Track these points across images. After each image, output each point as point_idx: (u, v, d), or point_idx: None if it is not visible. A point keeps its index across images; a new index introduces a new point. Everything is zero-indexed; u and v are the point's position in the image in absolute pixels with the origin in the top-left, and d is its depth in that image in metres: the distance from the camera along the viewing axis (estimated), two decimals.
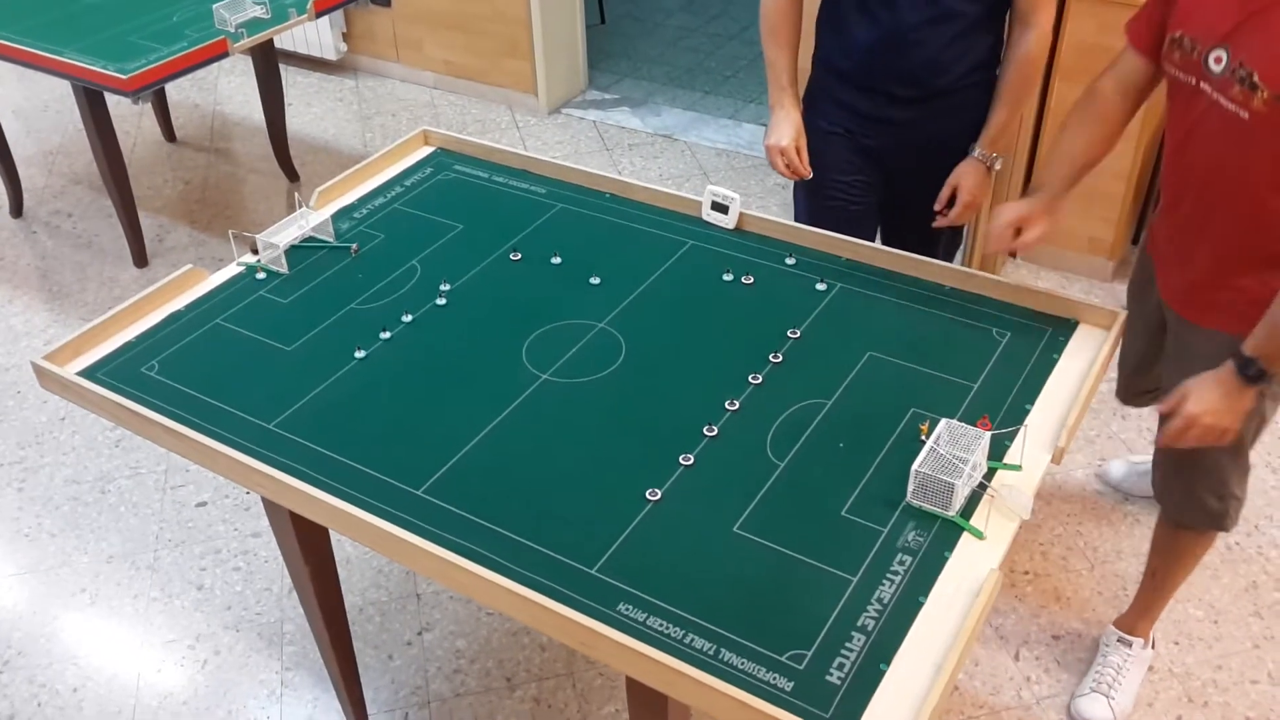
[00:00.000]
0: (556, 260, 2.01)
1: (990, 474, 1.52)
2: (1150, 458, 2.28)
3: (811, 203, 2.32)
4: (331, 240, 2.08)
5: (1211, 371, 1.67)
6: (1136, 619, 2.26)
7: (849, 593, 1.38)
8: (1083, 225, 3.37)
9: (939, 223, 2.21)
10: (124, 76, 3.00)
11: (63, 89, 4.83)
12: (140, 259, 3.74)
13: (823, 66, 2.25)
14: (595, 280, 1.95)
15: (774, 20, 2.21)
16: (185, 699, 2.36)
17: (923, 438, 1.54)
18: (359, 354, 1.80)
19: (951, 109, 2.16)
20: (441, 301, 1.92)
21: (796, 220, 2.34)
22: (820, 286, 1.91)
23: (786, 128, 2.18)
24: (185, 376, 1.77)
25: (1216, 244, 1.74)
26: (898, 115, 2.16)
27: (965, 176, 2.16)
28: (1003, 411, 1.64)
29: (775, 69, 2.21)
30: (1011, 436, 1.58)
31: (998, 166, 2.16)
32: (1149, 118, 3.14)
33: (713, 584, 1.39)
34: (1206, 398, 1.65)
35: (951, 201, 2.19)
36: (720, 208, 2.07)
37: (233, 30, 3.26)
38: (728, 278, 1.95)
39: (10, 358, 3.36)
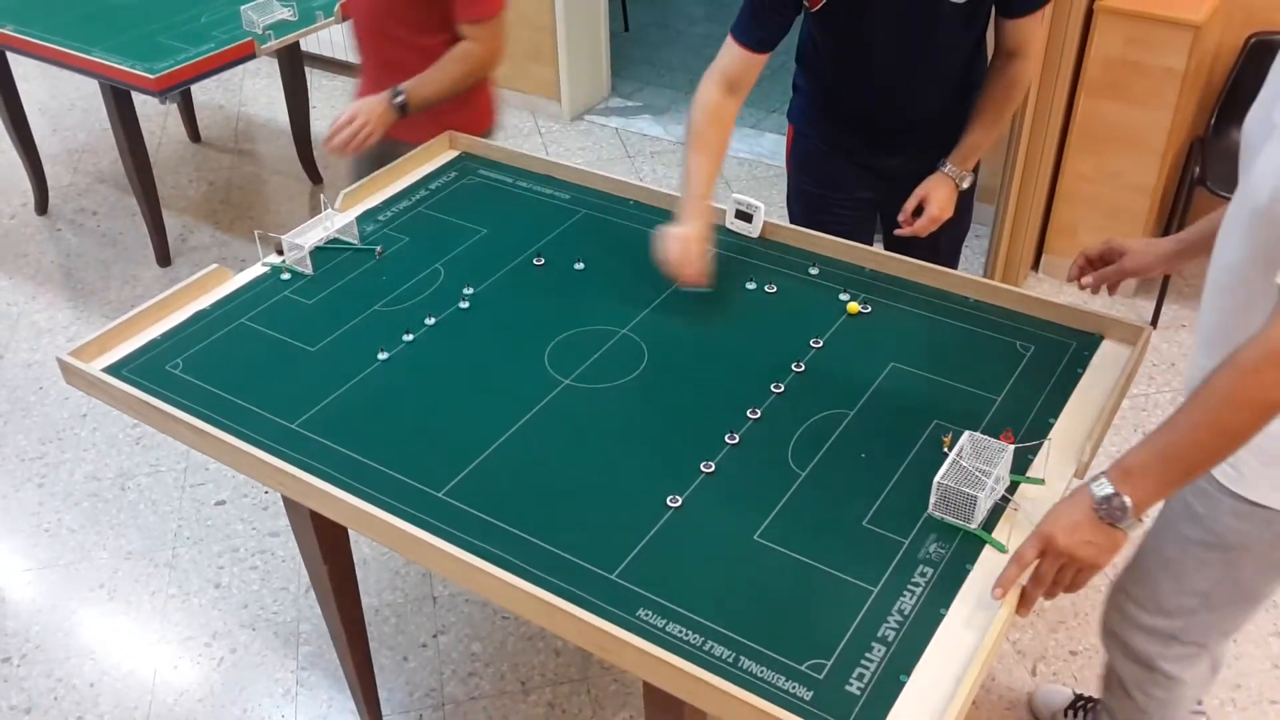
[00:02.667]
0: (579, 266, 2.01)
1: (1013, 487, 1.51)
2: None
3: (810, 220, 2.33)
4: (356, 242, 2.09)
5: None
6: None
7: (869, 603, 1.37)
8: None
9: (901, 231, 2.18)
10: (151, 76, 3.03)
11: (89, 87, 4.87)
12: (163, 258, 3.76)
13: (812, 101, 2.26)
14: (617, 286, 1.95)
15: (700, 126, 2.00)
16: (201, 696, 2.36)
17: (945, 450, 1.54)
18: (382, 356, 1.81)
19: (948, 131, 2.19)
20: (464, 305, 1.92)
21: None
22: (843, 297, 1.91)
23: (690, 228, 1.91)
24: (209, 375, 1.78)
25: None
26: (897, 142, 2.20)
27: (935, 190, 2.14)
28: (1026, 425, 1.63)
29: (692, 179, 1.97)
30: (1034, 450, 1.58)
31: (965, 185, 2.15)
32: (1175, 132, 3.13)
33: (733, 592, 1.39)
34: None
35: (918, 213, 2.16)
36: (744, 216, 2.07)
37: (260, 32, 3.28)
38: (751, 286, 1.95)
39: (33, 354, 3.38)
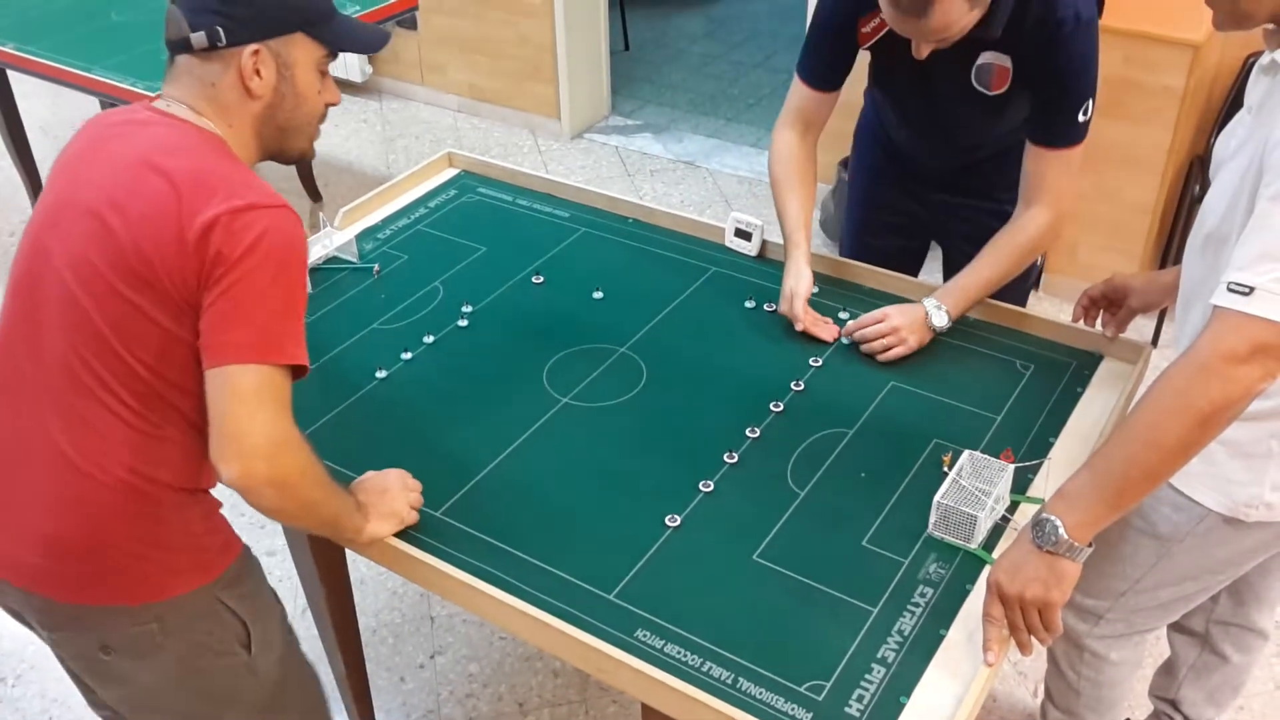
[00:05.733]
0: (579, 284, 2.01)
1: (1013, 507, 1.50)
2: None
3: (858, 240, 2.28)
4: (355, 260, 2.08)
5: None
6: None
7: (869, 624, 1.36)
8: (1106, 259, 3.36)
9: (836, 335, 1.87)
10: (152, 94, 3.03)
11: (90, 106, 4.87)
12: None
13: (863, 125, 2.22)
14: (617, 304, 1.95)
15: (778, 173, 1.99)
16: None
17: (945, 469, 1.53)
18: (380, 374, 1.80)
19: (993, 176, 2.05)
20: (463, 323, 1.92)
21: (842, 256, 2.22)
22: (843, 315, 1.90)
23: (797, 279, 1.86)
24: None
25: None
26: (937, 180, 2.12)
27: (898, 314, 1.81)
28: (1026, 444, 1.63)
29: (783, 216, 1.97)
30: (1034, 470, 1.57)
31: (936, 323, 1.80)
32: (1175, 151, 3.14)
33: (732, 612, 1.38)
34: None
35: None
36: (744, 234, 2.07)
37: None
38: (750, 305, 1.95)
39: None
